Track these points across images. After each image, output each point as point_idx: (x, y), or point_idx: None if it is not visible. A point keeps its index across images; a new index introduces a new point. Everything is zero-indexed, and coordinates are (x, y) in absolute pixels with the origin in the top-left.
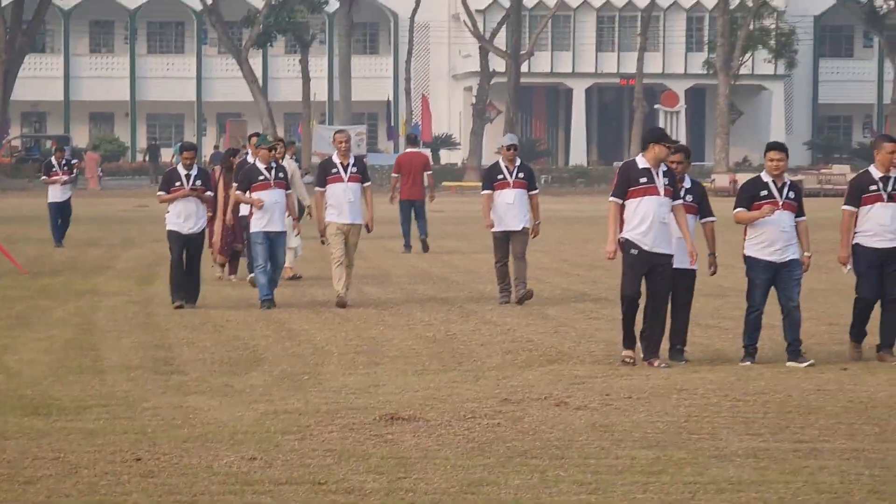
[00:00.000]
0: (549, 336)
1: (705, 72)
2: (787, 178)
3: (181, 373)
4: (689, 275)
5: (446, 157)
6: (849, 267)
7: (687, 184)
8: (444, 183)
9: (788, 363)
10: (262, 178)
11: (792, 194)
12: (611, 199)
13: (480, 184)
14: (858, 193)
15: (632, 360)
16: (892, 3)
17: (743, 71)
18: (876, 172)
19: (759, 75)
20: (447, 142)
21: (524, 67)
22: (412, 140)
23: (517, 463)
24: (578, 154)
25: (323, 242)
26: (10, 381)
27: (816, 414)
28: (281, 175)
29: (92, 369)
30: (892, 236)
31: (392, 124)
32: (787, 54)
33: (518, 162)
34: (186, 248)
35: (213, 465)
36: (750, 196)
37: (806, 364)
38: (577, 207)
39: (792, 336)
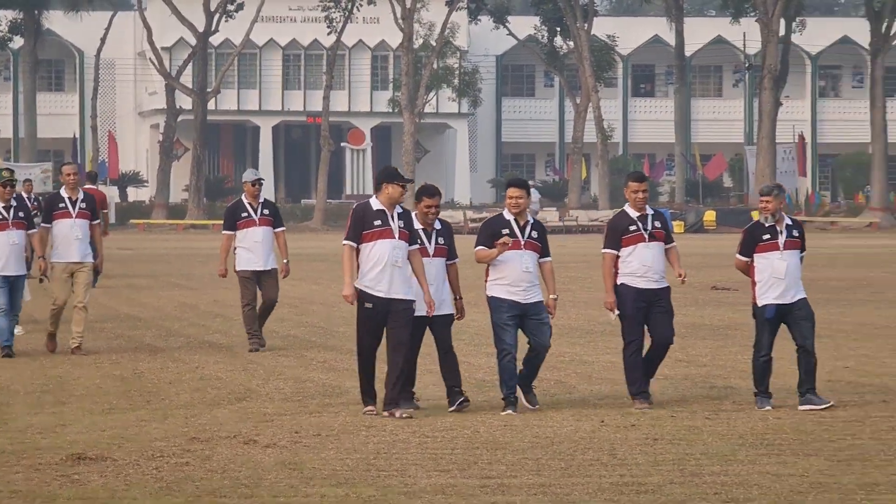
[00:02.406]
0: (238, 373)
1: (391, 110)
2: (530, 217)
3: None
4: (447, 319)
5: (133, 194)
6: (617, 312)
7: (437, 225)
8: (132, 220)
9: (524, 402)
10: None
11: (535, 234)
12: (344, 242)
13: (222, 222)
14: (618, 235)
15: (374, 413)
16: (570, 43)
17: (428, 109)
18: (632, 212)
19: (443, 114)
20: (134, 179)
21: (211, 105)
22: (91, 177)
23: (206, 502)
24: (266, 191)
25: (41, 281)
26: None
27: (504, 450)
28: (21, 214)
29: None
30: (657, 276)
31: (79, 161)
32: (471, 93)
33: (262, 199)
34: None
35: None
36: (491, 234)
37: (533, 407)
38: None
39: (531, 374)
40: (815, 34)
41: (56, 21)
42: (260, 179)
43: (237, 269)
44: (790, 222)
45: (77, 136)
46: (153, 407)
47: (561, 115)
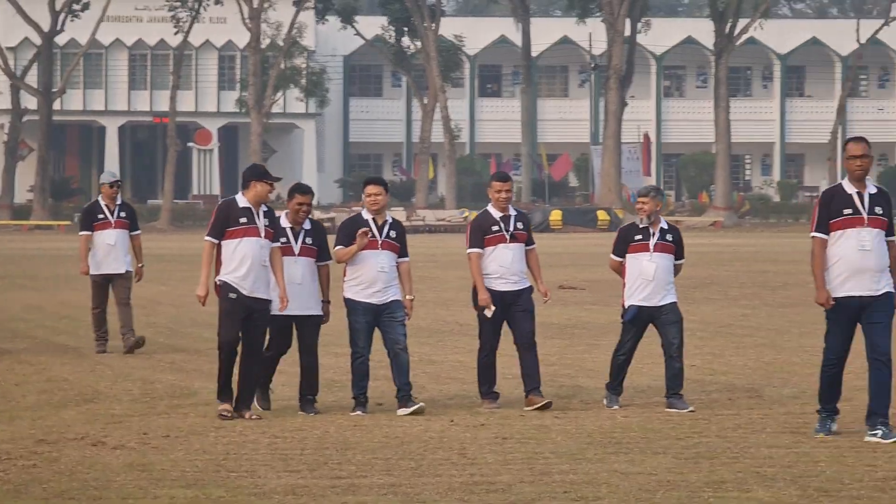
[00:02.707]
0: (86, 375)
1: (238, 110)
2: (389, 216)
3: None
4: (315, 320)
5: None
6: (492, 309)
7: (307, 225)
8: None
9: (399, 410)
10: None
11: (393, 233)
12: (206, 238)
13: (79, 224)
14: (481, 234)
15: (228, 414)
16: (418, 44)
17: (275, 109)
18: (495, 212)
19: (291, 114)
20: None
21: (56, 105)
22: None
23: None
24: None
25: None
26: None
27: (354, 450)
28: None
29: None
30: (517, 278)
31: None
32: (319, 93)
33: (119, 201)
34: None
35: None
36: (349, 234)
37: (414, 407)
38: None
39: (401, 380)
40: (660, 35)
41: None
42: (118, 181)
43: (92, 272)
44: (665, 226)
45: None
46: None
47: (408, 115)
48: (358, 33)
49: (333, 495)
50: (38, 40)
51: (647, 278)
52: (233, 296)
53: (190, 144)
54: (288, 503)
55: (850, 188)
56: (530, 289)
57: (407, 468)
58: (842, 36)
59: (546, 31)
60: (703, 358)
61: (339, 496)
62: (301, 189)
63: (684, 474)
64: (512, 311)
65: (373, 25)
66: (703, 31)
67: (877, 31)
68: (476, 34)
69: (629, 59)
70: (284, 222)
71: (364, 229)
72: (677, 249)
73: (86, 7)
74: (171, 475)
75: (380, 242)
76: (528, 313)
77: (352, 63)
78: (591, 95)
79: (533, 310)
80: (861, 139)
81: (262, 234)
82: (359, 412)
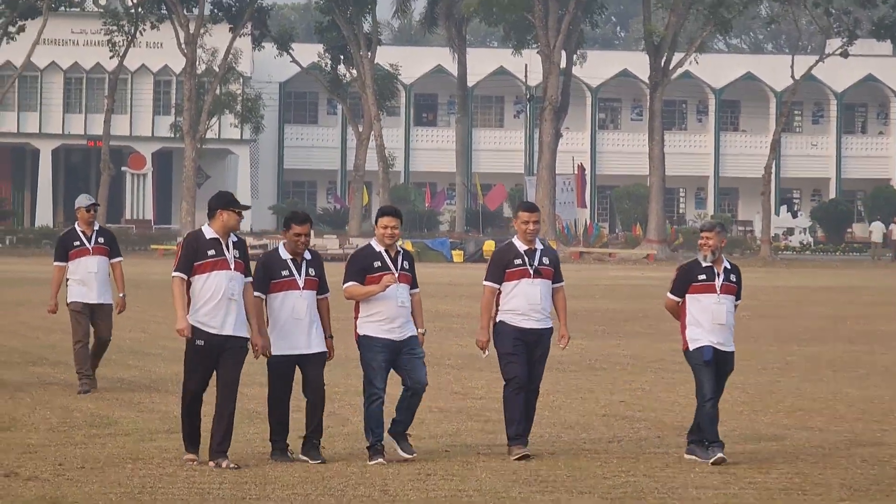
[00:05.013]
0: (4, 402)
1: (172, 135)
2: (400, 246)
3: None
4: (320, 357)
5: None
6: (487, 352)
7: (307, 255)
8: None
9: (396, 451)
10: None
11: (406, 264)
12: (174, 274)
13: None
14: (502, 268)
15: (195, 463)
16: (354, 72)
17: (210, 135)
18: (521, 245)
19: (225, 139)
20: None
21: None
22: None
23: None
24: (45, 215)
25: None
26: None
27: (273, 485)
28: None
29: None
30: (540, 316)
31: None
32: (254, 119)
33: (97, 226)
34: None
35: None
36: (362, 268)
37: (410, 456)
38: (40, 269)
39: (407, 418)
40: (596, 67)
41: None
42: (95, 204)
43: (69, 301)
44: (728, 266)
45: None
46: None
47: (343, 142)
48: (294, 60)
49: None
50: None
51: (719, 322)
52: (200, 343)
53: (124, 169)
54: None
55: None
56: (551, 330)
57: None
58: (776, 72)
59: (482, 62)
60: (633, 393)
61: None
62: (297, 219)
63: None
64: (532, 353)
65: (309, 52)
66: (639, 64)
67: (811, 68)
68: (412, 63)
69: (564, 91)
70: (284, 253)
71: (390, 276)
72: (738, 291)
73: (21, 30)
74: None
75: (396, 275)
76: (543, 358)
77: (287, 90)
78: (526, 126)
79: (547, 354)
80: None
81: (233, 267)
82: (379, 460)
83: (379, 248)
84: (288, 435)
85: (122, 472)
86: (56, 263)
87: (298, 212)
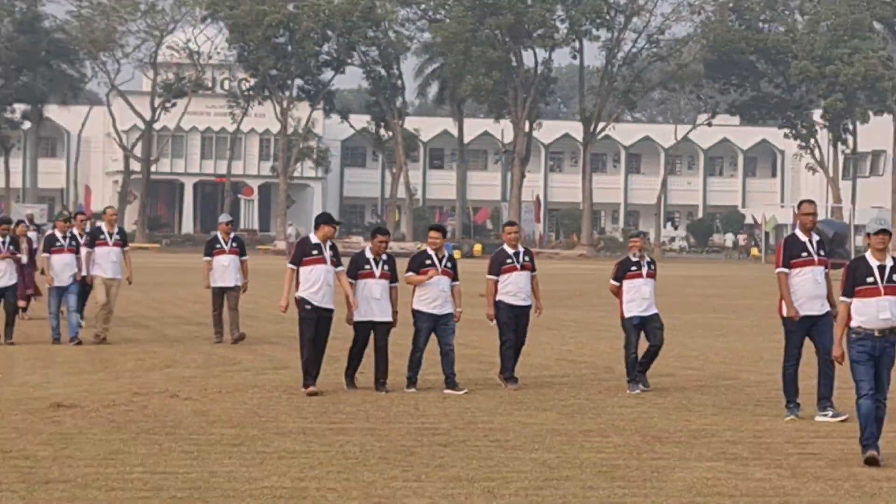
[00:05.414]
0: (167, 349)
1: (271, 174)
2: (446, 251)
3: None
4: (387, 325)
5: None
6: (493, 322)
7: (384, 256)
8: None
9: (446, 391)
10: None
11: (449, 264)
12: (289, 265)
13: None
14: (499, 265)
15: (315, 392)
16: (389, 133)
17: (295, 174)
18: (509, 249)
19: (306, 177)
20: (100, 217)
21: (153, 168)
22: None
23: (144, 438)
24: (187, 226)
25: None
26: None
27: (343, 403)
28: (73, 243)
29: None
30: (524, 295)
31: (64, 204)
32: (324, 164)
33: (232, 235)
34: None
35: None
36: (419, 264)
37: (461, 392)
38: (185, 262)
39: (449, 371)
40: (548, 131)
41: (52, 111)
42: (230, 221)
43: (212, 285)
44: (649, 259)
45: (64, 187)
46: (109, 370)
47: (382, 179)
48: (351, 125)
49: (330, 435)
50: (141, 126)
51: (644, 297)
52: (308, 307)
53: (239, 196)
54: (299, 440)
55: (803, 237)
56: (531, 307)
57: (379, 417)
58: (665, 135)
59: (473, 127)
60: (576, 345)
61: (334, 436)
62: (381, 231)
63: (565, 425)
64: (519, 321)
65: (361, 120)
66: (576, 129)
67: (687, 133)
68: (428, 128)
69: (527, 147)
70: (368, 254)
71: (431, 272)
72: (655, 275)
73: (174, 104)
74: (222, 419)
75: (440, 270)
76: (526, 324)
77: (346, 145)
78: (502, 170)
79: (528, 322)
80: (811, 201)
81: (329, 262)
82: (412, 390)
83: (430, 252)
84: (356, 371)
85: (245, 395)
86: (205, 258)
87: (382, 227)
